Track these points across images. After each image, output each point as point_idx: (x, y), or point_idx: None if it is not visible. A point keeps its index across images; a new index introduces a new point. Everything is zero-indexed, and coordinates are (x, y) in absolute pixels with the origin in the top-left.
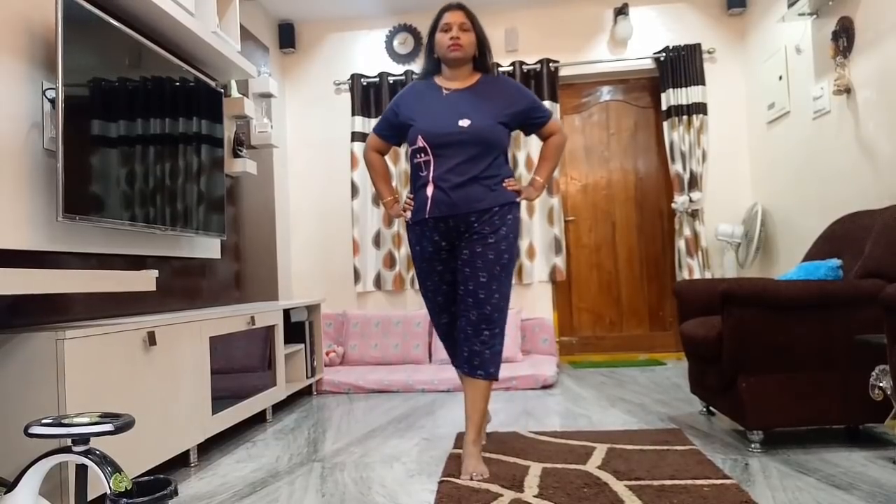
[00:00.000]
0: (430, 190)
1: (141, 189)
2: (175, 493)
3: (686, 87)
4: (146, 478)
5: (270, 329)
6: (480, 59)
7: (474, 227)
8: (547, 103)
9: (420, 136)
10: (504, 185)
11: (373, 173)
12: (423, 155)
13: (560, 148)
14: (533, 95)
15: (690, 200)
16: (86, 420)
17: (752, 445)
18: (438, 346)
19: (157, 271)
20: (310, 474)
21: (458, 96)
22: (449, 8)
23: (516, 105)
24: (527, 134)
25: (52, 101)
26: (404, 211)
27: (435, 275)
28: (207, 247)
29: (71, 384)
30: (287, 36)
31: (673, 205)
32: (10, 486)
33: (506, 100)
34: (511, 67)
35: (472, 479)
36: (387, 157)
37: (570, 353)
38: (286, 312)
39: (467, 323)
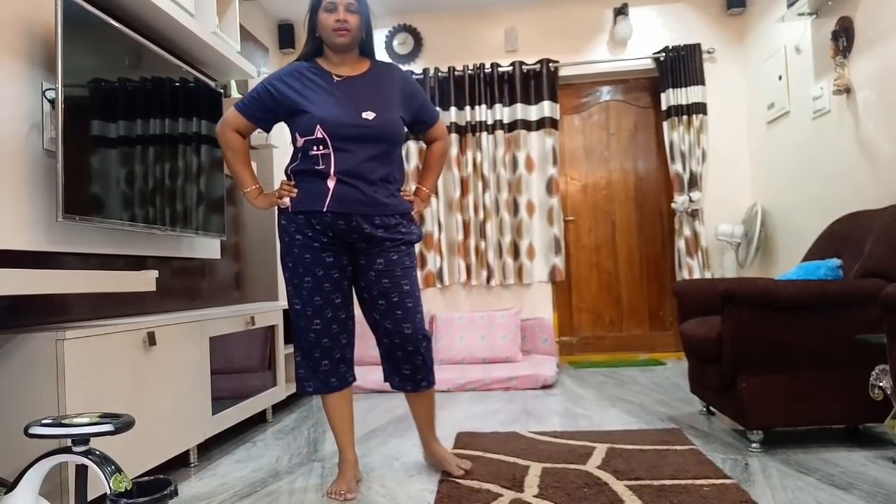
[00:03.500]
0: (331, 183)
1: (141, 189)
2: (175, 493)
3: (686, 87)
4: (146, 478)
5: (270, 329)
6: (366, 42)
7: (378, 234)
8: (547, 103)
9: (319, 127)
10: (402, 193)
11: (231, 155)
12: (321, 147)
13: (445, 155)
14: (423, 91)
15: (690, 200)
16: (86, 420)
17: (752, 445)
18: (439, 346)
19: (156, 272)
20: (310, 474)
21: (353, 84)
22: None
23: (412, 99)
24: (413, 132)
25: (52, 102)
26: (280, 198)
27: (320, 268)
28: (207, 247)
29: (71, 384)
30: (287, 36)
31: (673, 205)
32: (10, 487)
33: (402, 92)
34: (511, 67)
35: (461, 471)
36: None
37: (570, 353)
38: (286, 312)
39: (403, 339)
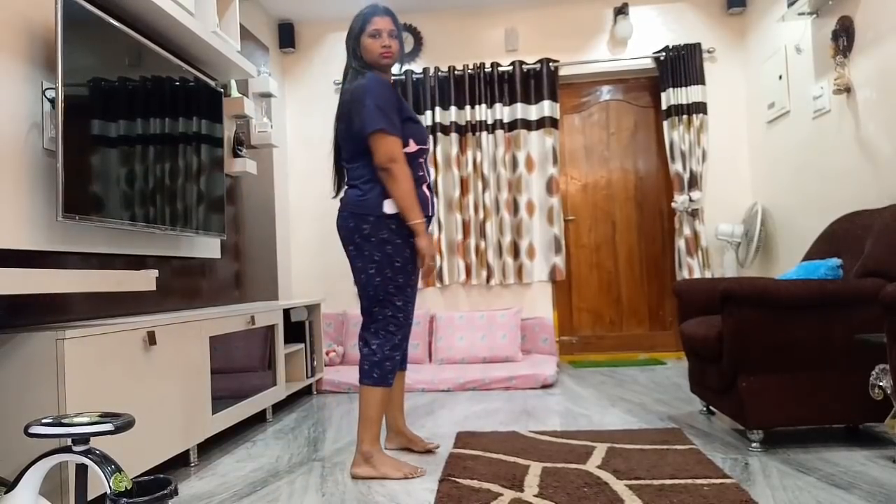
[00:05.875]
0: (427, 190)
1: (141, 189)
2: (175, 492)
3: (686, 86)
4: (146, 477)
5: (270, 329)
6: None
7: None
8: (547, 103)
9: (426, 137)
10: None
11: (413, 184)
12: (422, 156)
13: None
14: None
15: (690, 200)
16: (86, 420)
17: (752, 445)
18: (439, 345)
19: (156, 271)
20: (310, 474)
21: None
22: (377, 12)
23: None
24: None
25: (52, 101)
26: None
27: (414, 265)
28: (207, 246)
29: (71, 384)
30: (287, 36)
31: (673, 204)
32: (10, 486)
33: None
34: (511, 67)
35: (429, 450)
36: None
37: (570, 353)
38: (286, 312)
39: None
